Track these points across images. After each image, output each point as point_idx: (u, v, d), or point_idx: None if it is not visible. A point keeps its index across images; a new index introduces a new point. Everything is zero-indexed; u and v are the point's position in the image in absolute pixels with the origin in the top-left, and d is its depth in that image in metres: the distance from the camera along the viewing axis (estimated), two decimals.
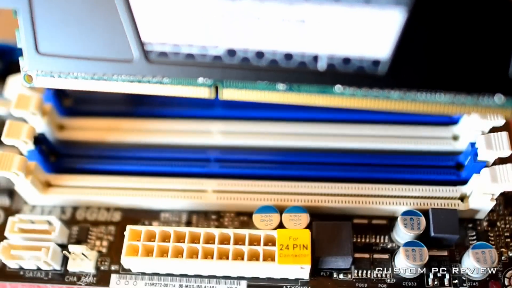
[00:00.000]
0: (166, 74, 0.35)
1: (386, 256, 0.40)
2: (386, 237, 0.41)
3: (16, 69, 0.52)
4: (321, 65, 0.33)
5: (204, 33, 0.34)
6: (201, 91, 0.35)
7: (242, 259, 0.37)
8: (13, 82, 0.43)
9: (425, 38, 0.32)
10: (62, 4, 0.35)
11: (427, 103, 0.33)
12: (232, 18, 0.33)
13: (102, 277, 0.40)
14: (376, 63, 0.33)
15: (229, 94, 0.35)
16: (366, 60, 0.33)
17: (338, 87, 0.34)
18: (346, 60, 0.33)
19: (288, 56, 0.34)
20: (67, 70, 0.36)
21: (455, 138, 0.43)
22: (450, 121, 0.43)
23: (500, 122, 0.39)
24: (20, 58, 0.37)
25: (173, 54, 0.35)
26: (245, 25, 0.33)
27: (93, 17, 0.35)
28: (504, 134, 0.38)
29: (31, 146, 0.40)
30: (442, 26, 0.31)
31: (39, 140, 0.41)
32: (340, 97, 0.34)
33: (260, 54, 0.34)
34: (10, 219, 0.40)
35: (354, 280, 0.39)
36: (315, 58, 0.33)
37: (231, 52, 0.34)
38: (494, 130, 0.39)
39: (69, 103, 0.46)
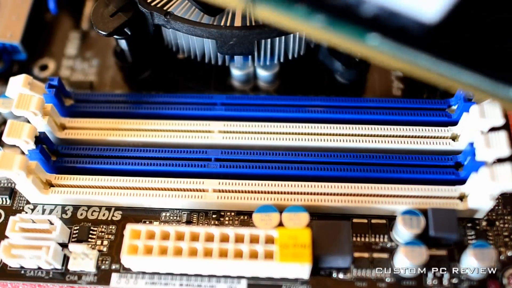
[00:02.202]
0: None
1: (385, 256, 0.40)
2: (386, 237, 0.41)
3: (17, 68, 0.53)
4: (367, 10, 0.31)
5: None
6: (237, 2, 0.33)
7: (242, 258, 0.37)
8: (15, 81, 0.43)
9: (475, 17, 0.31)
10: None
11: (454, 79, 0.33)
12: None
13: (103, 276, 0.40)
14: (421, 25, 0.31)
15: (264, 13, 0.33)
16: (412, 20, 0.31)
17: (374, 36, 0.32)
18: (393, 14, 0.31)
19: None
20: None
21: (454, 138, 0.43)
22: (450, 121, 0.44)
23: (499, 122, 0.39)
24: None
25: None
26: None
27: None
28: (503, 134, 0.38)
29: (32, 145, 0.40)
30: (494, 11, 0.31)
31: (40, 139, 0.41)
32: (371, 49, 0.32)
33: None
34: (11, 218, 0.40)
35: (353, 279, 0.39)
36: (363, 2, 0.31)
37: None
38: (493, 130, 0.39)
39: (70, 103, 0.46)
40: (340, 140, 0.43)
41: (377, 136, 0.43)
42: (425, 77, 0.33)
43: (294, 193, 0.41)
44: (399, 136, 0.43)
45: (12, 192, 0.45)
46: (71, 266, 0.40)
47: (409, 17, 0.31)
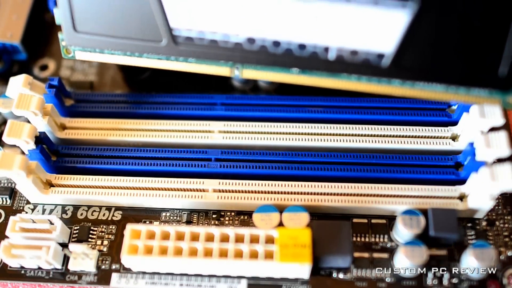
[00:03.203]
0: (191, 56, 0.39)
1: (385, 256, 0.40)
2: (386, 237, 0.41)
3: (17, 68, 0.53)
4: (331, 56, 0.37)
5: (227, 22, 0.37)
6: (222, 70, 0.40)
7: (242, 258, 0.37)
8: (15, 81, 0.43)
9: (426, 36, 0.35)
10: None
11: (424, 91, 0.37)
12: (252, 11, 0.36)
13: (103, 276, 0.40)
14: (380, 56, 0.36)
15: (248, 73, 0.40)
16: (372, 53, 0.36)
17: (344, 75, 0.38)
18: (354, 52, 0.37)
19: (302, 46, 0.37)
20: (103, 47, 0.41)
21: (455, 138, 0.43)
22: (450, 121, 0.44)
23: (499, 122, 0.39)
24: (59, 33, 0.41)
25: (198, 39, 0.39)
26: (263, 17, 0.37)
27: (126, 2, 0.38)
28: (503, 134, 0.38)
29: (32, 145, 0.40)
30: (442, 27, 0.34)
31: (40, 139, 0.41)
32: (347, 81, 0.38)
33: (276, 43, 0.38)
34: (11, 218, 0.40)
35: (353, 279, 0.39)
36: (326, 49, 0.37)
37: (251, 40, 0.38)
38: (493, 130, 0.39)
39: (70, 103, 0.46)
40: (340, 140, 0.43)
41: (377, 136, 0.43)
42: (403, 95, 0.38)
43: (294, 193, 0.41)
44: (399, 136, 0.43)
45: (12, 192, 0.45)
46: (71, 266, 0.40)
47: (369, 52, 0.36)
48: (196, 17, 0.37)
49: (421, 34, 0.35)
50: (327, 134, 0.43)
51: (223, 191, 0.42)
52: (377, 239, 0.41)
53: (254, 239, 0.38)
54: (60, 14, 0.40)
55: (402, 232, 0.39)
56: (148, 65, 0.41)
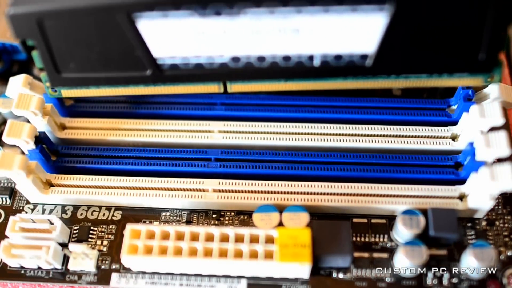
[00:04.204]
0: (177, 81, 0.40)
1: (385, 255, 0.40)
2: (386, 236, 0.41)
3: (17, 68, 0.53)
4: (316, 63, 0.38)
5: (209, 47, 0.38)
6: (211, 88, 0.41)
7: (242, 258, 0.37)
8: (15, 81, 0.43)
9: (405, 34, 0.36)
10: (74, 32, 0.37)
11: (409, 81, 0.39)
12: (233, 33, 0.37)
13: (103, 276, 0.40)
14: (364, 57, 0.37)
15: (237, 88, 0.41)
16: (356, 55, 0.37)
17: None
18: (338, 57, 0.38)
19: (287, 58, 0.38)
20: (87, 84, 0.41)
21: (454, 137, 0.43)
22: (449, 120, 0.44)
23: (499, 121, 0.39)
24: (41, 74, 0.40)
25: (183, 65, 0.38)
26: (245, 37, 0.37)
27: (105, 40, 0.37)
28: (503, 134, 0.38)
29: (32, 145, 0.40)
30: (419, 24, 0.36)
31: (40, 139, 0.41)
32: (333, 82, 0.40)
33: (261, 58, 0.38)
34: (11, 218, 0.40)
35: (353, 279, 0.39)
36: (311, 57, 0.38)
37: (235, 59, 0.38)
38: (493, 129, 0.39)
39: (70, 103, 0.46)
40: (340, 140, 0.43)
41: (377, 136, 0.43)
42: (390, 86, 0.40)
43: (294, 193, 0.41)
44: (399, 136, 0.43)
45: (12, 192, 0.45)
46: (71, 266, 0.40)
47: (352, 54, 0.37)
48: (178, 45, 0.37)
49: (400, 32, 0.36)
50: (327, 134, 0.43)
51: (223, 191, 0.42)
52: (377, 239, 0.41)
53: (254, 239, 0.38)
54: (40, 58, 0.39)
55: (402, 232, 0.39)
56: (136, 93, 0.41)
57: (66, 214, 0.43)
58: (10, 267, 0.41)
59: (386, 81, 0.39)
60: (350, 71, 0.38)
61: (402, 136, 0.43)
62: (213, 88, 0.41)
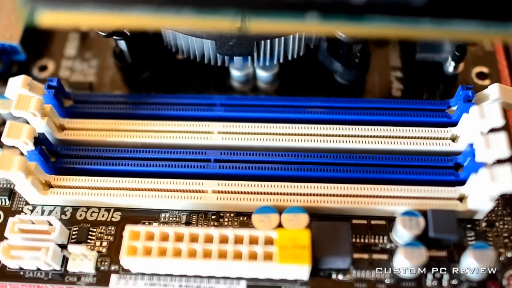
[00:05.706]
0: (188, 2, 0.32)
1: (385, 257, 0.40)
2: (385, 238, 0.41)
3: (16, 69, 0.53)
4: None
5: None
6: (224, 23, 0.33)
7: (241, 259, 0.37)
8: (14, 82, 0.43)
9: None
10: None
11: (458, 31, 0.33)
12: None
13: (102, 277, 0.40)
14: None
15: (257, 25, 0.33)
16: None
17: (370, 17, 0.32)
18: None
19: None
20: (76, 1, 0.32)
21: (454, 138, 0.43)
22: (449, 121, 0.44)
23: (499, 122, 0.39)
24: None
25: None
26: None
27: None
28: (503, 135, 0.38)
29: (31, 146, 0.40)
30: None
31: (39, 140, 0.41)
32: (373, 26, 0.33)
33: None
34: (10, 219, 0.40)
35: (353, 281, 0.39)
36: None
37: None
38: (493, 131, 0.39)
39: (69, 103, 0.46)
40: (339, 141, 0.43)
41: (377, 137, 0.43)
42: (426, 36, 0.34)
43: (294, 194, 0.41)
44: (399, 137, 0.43)
45: (11, 193, 0.45)
46: (70, 267, 0.40)
47: None
48: None
49: None
50: (326, 135, 0.43)
51: (222, 192, 0.42)
52: (376, 240, 0.41)
53: (253, 240, 0.38)
54: None
55: (402, 233, 0.39)
56: (134, 24, 0.33)
57: (65, 215, 0.43)
58: (9, 268, 0.41)
59: (436, 30, 0.32)
60: (398, 9, 0.32)
61: (402, 137, 0.43)
62: (226, 23, 0.33)
